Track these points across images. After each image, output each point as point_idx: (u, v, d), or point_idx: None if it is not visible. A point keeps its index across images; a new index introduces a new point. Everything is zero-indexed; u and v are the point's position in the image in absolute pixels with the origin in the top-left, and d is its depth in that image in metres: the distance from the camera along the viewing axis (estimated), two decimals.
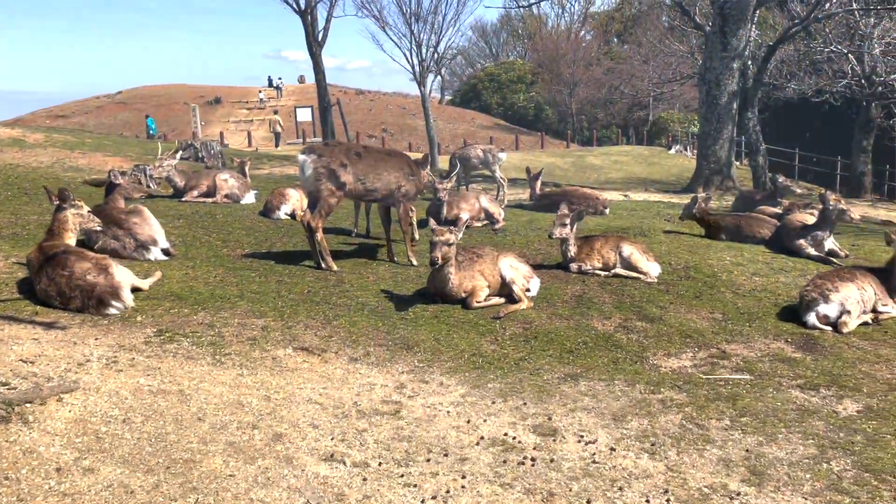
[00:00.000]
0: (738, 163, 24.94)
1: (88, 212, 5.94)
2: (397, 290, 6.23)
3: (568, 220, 6.84)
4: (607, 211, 10.80)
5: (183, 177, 10.12)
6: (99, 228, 6.18)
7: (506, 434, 3.85)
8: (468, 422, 3.97)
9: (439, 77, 57.67)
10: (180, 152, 10.70)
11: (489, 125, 51.10)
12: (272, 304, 5.65)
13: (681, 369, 4.86)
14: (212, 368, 4.38)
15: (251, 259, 7.02)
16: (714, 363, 4.97)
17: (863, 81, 22.41)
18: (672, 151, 37.27)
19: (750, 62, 17.75)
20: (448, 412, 4.08)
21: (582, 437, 3.85)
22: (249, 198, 10.31)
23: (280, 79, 57.98)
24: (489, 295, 6.01)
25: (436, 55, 27.57)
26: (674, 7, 23.04)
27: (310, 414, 3.94)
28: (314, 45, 24.32)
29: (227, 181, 10.12)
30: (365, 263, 7.10)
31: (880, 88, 21.96)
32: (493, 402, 4.23)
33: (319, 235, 6.66)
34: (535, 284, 6.29)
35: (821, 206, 7.98)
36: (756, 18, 18.48)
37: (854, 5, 18.86)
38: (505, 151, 12.68)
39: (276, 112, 44.40)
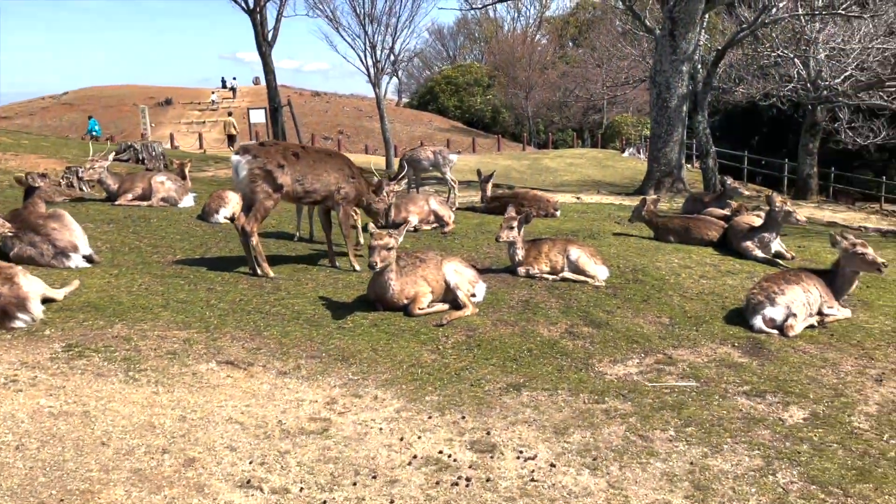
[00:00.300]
0: (688, 165, 25.30)
1: None
2: (336, 298, 5.95)
3: (515, 224, 6.64)
4: (558, 213, 10.67)
5: (116, 179, 9.61)
6: (10, 234, 5.73)
7: (441, 452, 3.61)
8: (401, 439, 3.72)
9: (396, 79, 57.41)
10: (112, 154, 10.17)
11: (446, 128, 51.00)
12: (199, 314, 5.29)
13: (626, 377, 4.69)
14: (123, 386, 4.03)
15: (182, 265, 6.63)
16: (660, 370, 4.82)
17: (808, 85, 22.89)
18: (626, 154, 37.73)
19: (699, 66, 17.94)
20: (380, 429, 3.82)
21: (521, 452, 3.64)
22: (188, 201, 9.83)
23: (234, 79, 57.05)
24: (433, 301, 5.77)
25: (391, 57, 27.28)
26: (626, 11, 23.19)
27: (228, 435, 3.63)
28: (264, 45, 23.79)
29: (164, 183, 9.63)
30: (304, 269, 6.79)
31: (825, 92, 22.44)
32: (430, 417, 3.99)
33: (255, 240, 6.33)
34: (480, 289, 6.07)
35: (767, 208, 7.98)
36: (705, 23, 18.72)
37: (800, 11, 19.24)
38: (458, 153, 12.47)
39: (230, 114, 43.41)
